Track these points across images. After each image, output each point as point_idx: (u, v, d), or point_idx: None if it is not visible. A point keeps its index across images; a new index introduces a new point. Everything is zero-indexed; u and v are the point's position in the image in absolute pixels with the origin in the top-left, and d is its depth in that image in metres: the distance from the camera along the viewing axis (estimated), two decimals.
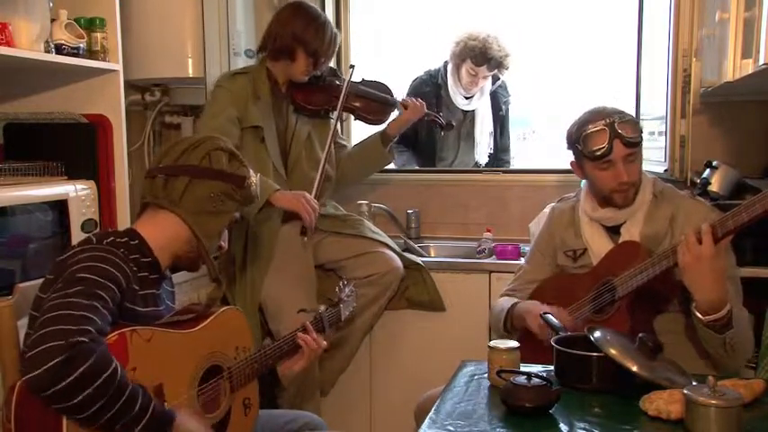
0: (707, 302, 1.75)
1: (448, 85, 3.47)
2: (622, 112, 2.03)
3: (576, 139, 2.04)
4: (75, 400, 1.26)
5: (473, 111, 3.52)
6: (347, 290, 2.06)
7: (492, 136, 3.57)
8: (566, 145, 2.13)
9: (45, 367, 1.24)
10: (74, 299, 1.35)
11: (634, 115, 3.00)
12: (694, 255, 1.72)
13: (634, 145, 1.97)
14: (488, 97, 3.53)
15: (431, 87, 3.49)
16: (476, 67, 3.36)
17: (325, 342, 1.89)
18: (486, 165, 3.56)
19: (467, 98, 3.48)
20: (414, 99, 2.85)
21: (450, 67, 3.46)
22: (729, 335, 1.77)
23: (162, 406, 1.41)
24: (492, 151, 3.57)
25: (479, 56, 3.33)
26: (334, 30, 2.68)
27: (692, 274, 1.74)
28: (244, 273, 2.67)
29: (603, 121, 1.98)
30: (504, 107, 3.59)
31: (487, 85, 3.50)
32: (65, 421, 1.32)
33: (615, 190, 2.01)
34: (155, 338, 1.48)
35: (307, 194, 2.53)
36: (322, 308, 1.96)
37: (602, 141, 1.97)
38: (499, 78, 3.54)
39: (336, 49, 2.73)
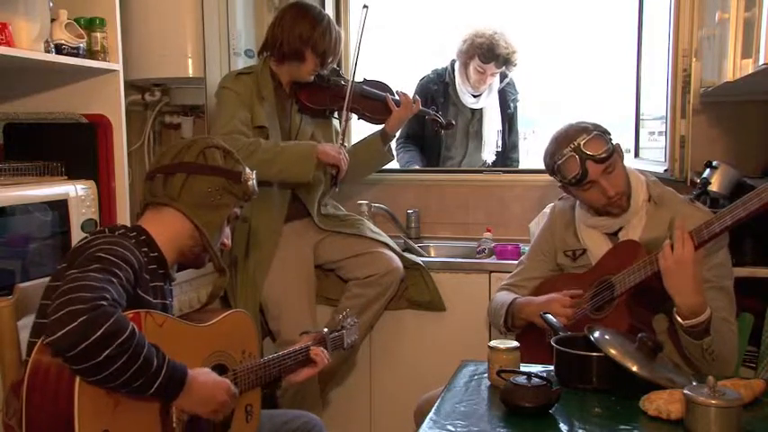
0: (687, 307, 1.76)
1: (456, 83, 3.45)
2: (586, 129, 2.01)
3: (552, 170, 2.07)
4: (99, 359, 1.29)
5: (481, 109, 3.50)
6: (350, 319, 2.07)
7: (500, 134, 3.55)
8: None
9: (69, 327, 1.27)
10: (92, 273, 1.39)
11: (634, 116, 3.02)
12: (675, 259, 1.75)
13: (606, 159, 1.97)
14: (496, 95, 3.51)
15: (438, 86, 3.47)
16: (483, 65, 3.34)
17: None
18: (494, 163, 3.54)
19: (475, 96, 3.46)
20: (406, 95, 2.81)
21: (457, 65, 3.44)
22: (707, 342, 1.79)
23: (176, 362, 1.43)
24: (500, 149, 3.55)
25: (487, 53, 3.31)
26: (338, 27, 2.68)
27: (673, 279, 1.76)
28: (245, 273, 2.67)
29: (569, 147, 1.98)
30: (512, 105, 3.56)
31: (495, 82, 3.47)
32: (77, 393, 1.33)
33: (607, 204, 2.02)
34: (167, 325, 1.51)
35: (341, 147, 2.62)
36: (325, 330, 1.96)
37: (575, 168, 1.98)
38: (507, 76, 3.52)
39: (341, 46, 2.73)
